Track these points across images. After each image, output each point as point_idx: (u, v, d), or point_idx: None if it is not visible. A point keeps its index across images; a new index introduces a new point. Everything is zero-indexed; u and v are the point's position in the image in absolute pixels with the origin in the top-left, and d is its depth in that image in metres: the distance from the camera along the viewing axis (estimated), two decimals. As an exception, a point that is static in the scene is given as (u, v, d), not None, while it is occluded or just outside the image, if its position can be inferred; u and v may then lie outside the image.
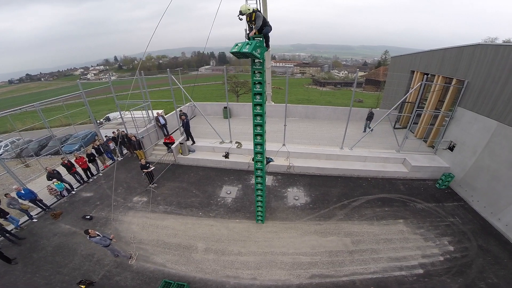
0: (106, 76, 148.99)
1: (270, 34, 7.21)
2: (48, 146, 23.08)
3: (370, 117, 17.92)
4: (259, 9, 6.79)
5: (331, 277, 8.70)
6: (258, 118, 8.12)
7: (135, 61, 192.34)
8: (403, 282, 8.46)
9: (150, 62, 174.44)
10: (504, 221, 10.39)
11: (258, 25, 6.73)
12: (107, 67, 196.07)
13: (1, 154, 23.46)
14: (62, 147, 20.36)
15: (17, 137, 26.41)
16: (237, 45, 6.55)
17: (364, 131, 18.10)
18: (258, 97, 7.72)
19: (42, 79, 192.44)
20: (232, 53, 6.60)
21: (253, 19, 6.73)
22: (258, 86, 7.54)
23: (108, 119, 28.74)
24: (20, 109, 13.00)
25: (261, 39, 6.96)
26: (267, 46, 7.18)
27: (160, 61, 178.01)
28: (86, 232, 8.32)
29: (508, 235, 10.08)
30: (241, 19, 6.87)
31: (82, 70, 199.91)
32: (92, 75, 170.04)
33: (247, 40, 6.98)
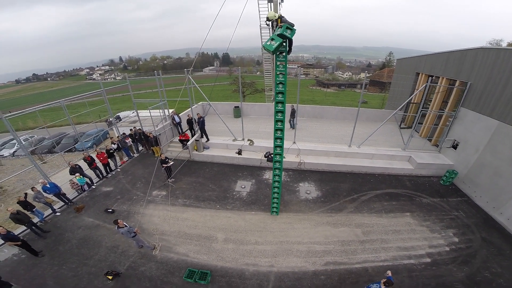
0: (112, 76, 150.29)
1: None
2: (61, 144, 23.81)
3: (292, 113, 18.63)
4: (282, 15, 7.39)
5: (344, 264, 9.23)
6: (279, 123, 9.00)
7: (140, 61, 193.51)
8: (413, 270, 8.94)
9: (154, 62, 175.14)
10: (506, 215, 10.89)
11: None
12: (112, 67, 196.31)
13: (16, 151, 24.35)
14: (76, 144, 21.24)
15: (30, 135, 27.12)
16: (272, 39, 7.10)
17: (291, 127, 18.71)
18: (280, 105, 8.56)
19: (49, 79, 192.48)
20: (264, 46, 7.14)
21: (279, 24, 7.25)
22: (280, 95, 8.31)
23: (118, 118, 29.44)
24: (47, 105, 13.73)
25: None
26: (290, 50, 7.71)
27: (165, 61, 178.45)
28: (115, 222, 8.73)
29: (510, 229, 10.57)
30: (268, 25, 7.51)
31: (87, 70, 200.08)
32: (98, 75, 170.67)
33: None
